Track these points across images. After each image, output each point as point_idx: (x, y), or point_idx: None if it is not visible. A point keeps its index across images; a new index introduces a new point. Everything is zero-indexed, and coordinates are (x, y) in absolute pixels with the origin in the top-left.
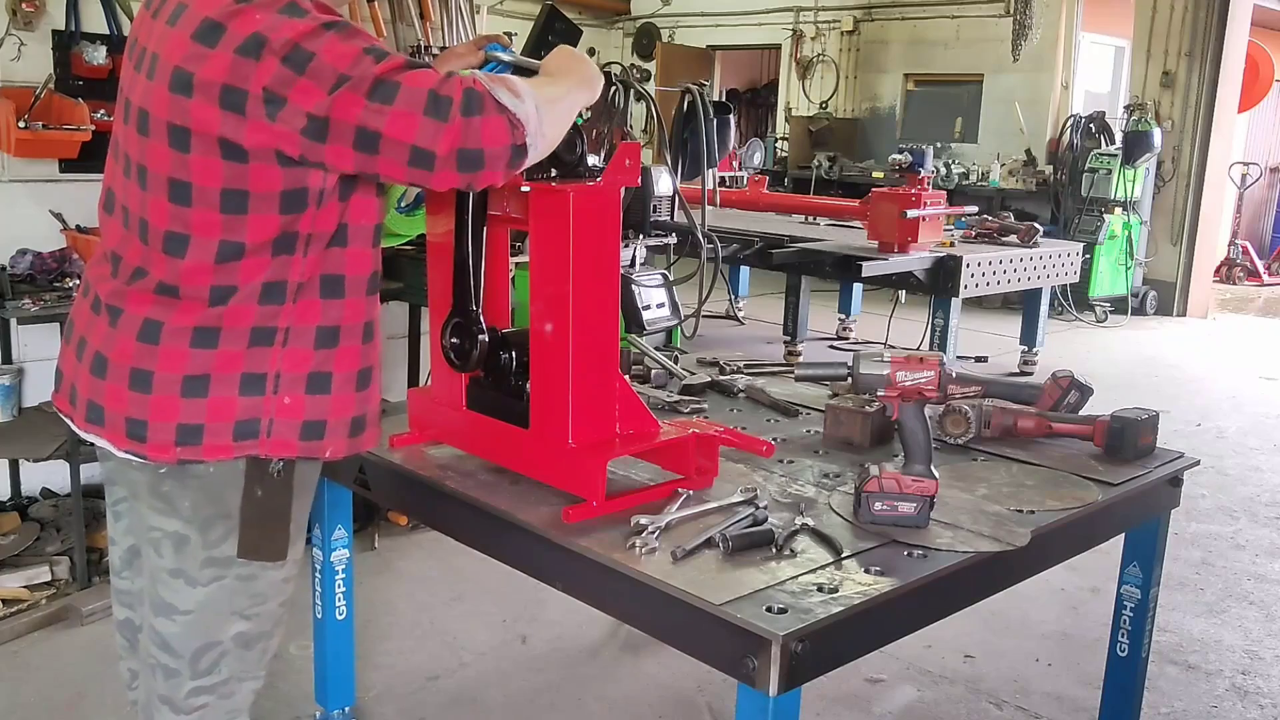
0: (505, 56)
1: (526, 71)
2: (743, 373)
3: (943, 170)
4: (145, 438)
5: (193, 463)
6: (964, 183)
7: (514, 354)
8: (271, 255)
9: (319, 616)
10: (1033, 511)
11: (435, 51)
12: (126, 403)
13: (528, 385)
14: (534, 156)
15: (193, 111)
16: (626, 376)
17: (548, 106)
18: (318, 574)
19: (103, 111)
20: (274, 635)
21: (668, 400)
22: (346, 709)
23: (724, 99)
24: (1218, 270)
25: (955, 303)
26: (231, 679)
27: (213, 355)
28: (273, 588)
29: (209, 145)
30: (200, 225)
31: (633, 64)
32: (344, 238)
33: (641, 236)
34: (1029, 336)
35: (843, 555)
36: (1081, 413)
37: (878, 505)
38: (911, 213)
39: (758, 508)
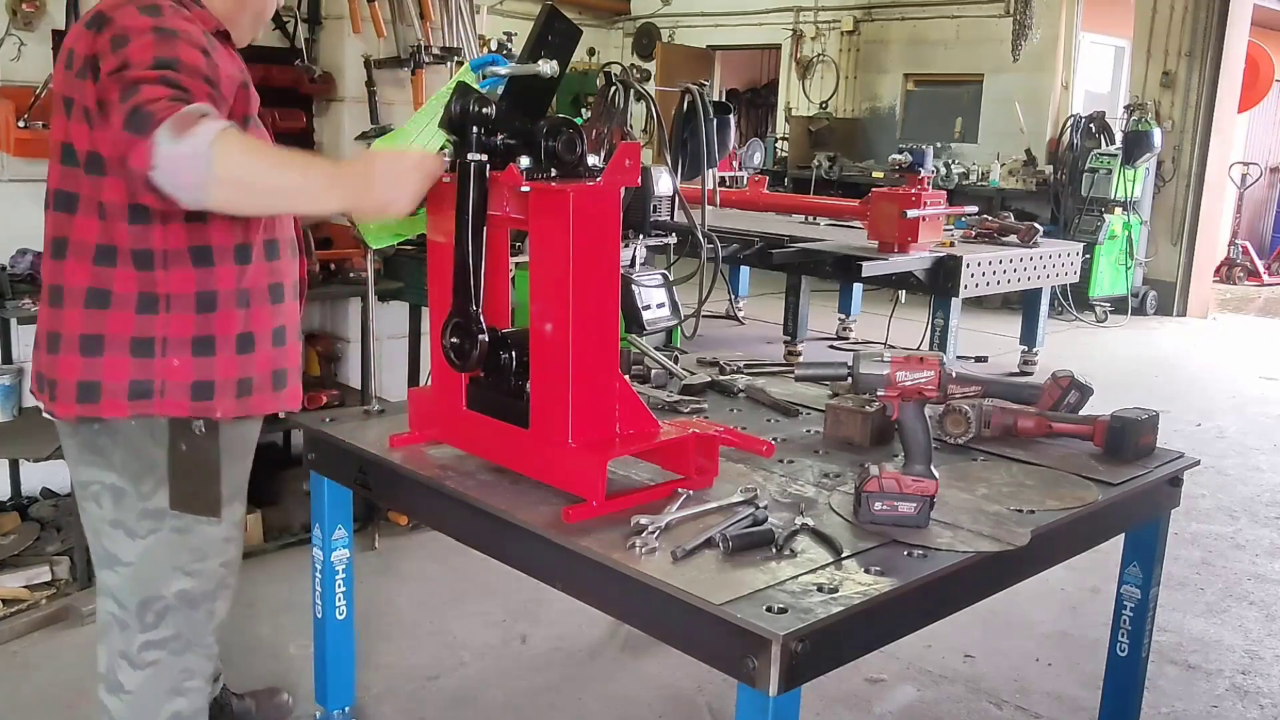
0: (503, 70)
1: (526, 78)
2: (743, 373)
3: (943, 170)
4: (55, 395)
5: (92, 419)
6: (964, 183)
7: (514, 354)
8: (128, 221)
9: (319, 616)
10: (1033, 511)
11: (436, 51)
12: (43, 363)
13: (528, 385)
14: (185, 199)
15: (74, 82)
16: (626, 376)
17: (229, 168)
18: (318, 574)
19: None
20: (218, 598)
21: (668, 400)
22: (346, 709)
23: (724, 99)
24: (1218, 270)
25: (955, 303)
26: (180, 637)
27: (105, 316)
28: (211, 545)
29: (79, 112)
30: (80, 184)
31: (633, 64)
32: (203, 211)
33: (641, 236)
34: (1029, 336)
35: (843, 555)
36: (1081, 413)
37: (878, 505)
38: (911, 213)
39: (758, 508)
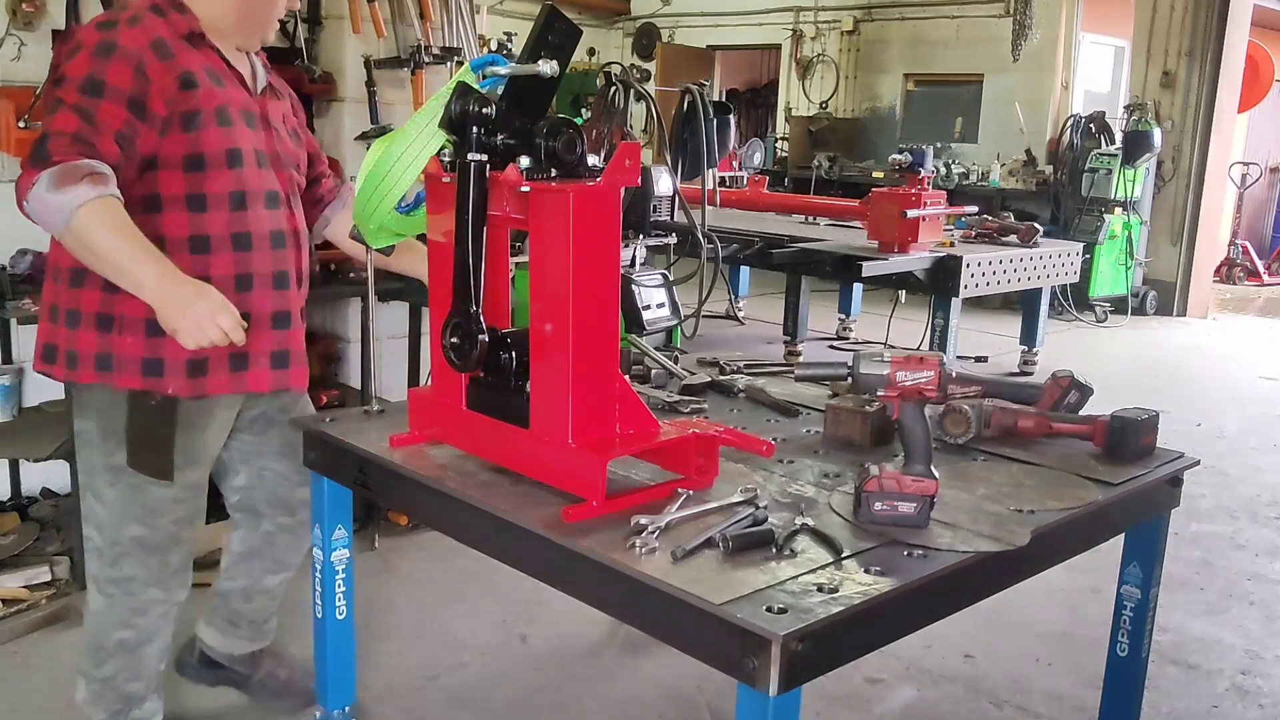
0: (503, 70)
1: (526, 78)
2: (743, 373)
3: (943, 170)
4: (54, 360)
5: (79, 385)
6: (964, 183)
7: (514, 354)
8: None
9: (319, 616)
10: (1033, 511)
11: (436, 51)
12: (45, 332)
13: (528, 385)
14: (48, 231)
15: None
16: (626, 376)
17: (84, 237)
18: (318, 574)
19: None
20: (172, 551)
21: (668, 400)
22: (346, 709)
23: (724, 99)
24: (1218, 270)
25: (955, 303)
26: (135, 580)
27: (79, 294)
28: (162, 504)
29: None
30: None
31: (633, 64)
32: (157, 204)
33: (641, 236)
34: (1029, 336)
35: (843, 555)
36: (1081, 413)
37: (878, 505)
38: (911, 213)
39: (758, 508)
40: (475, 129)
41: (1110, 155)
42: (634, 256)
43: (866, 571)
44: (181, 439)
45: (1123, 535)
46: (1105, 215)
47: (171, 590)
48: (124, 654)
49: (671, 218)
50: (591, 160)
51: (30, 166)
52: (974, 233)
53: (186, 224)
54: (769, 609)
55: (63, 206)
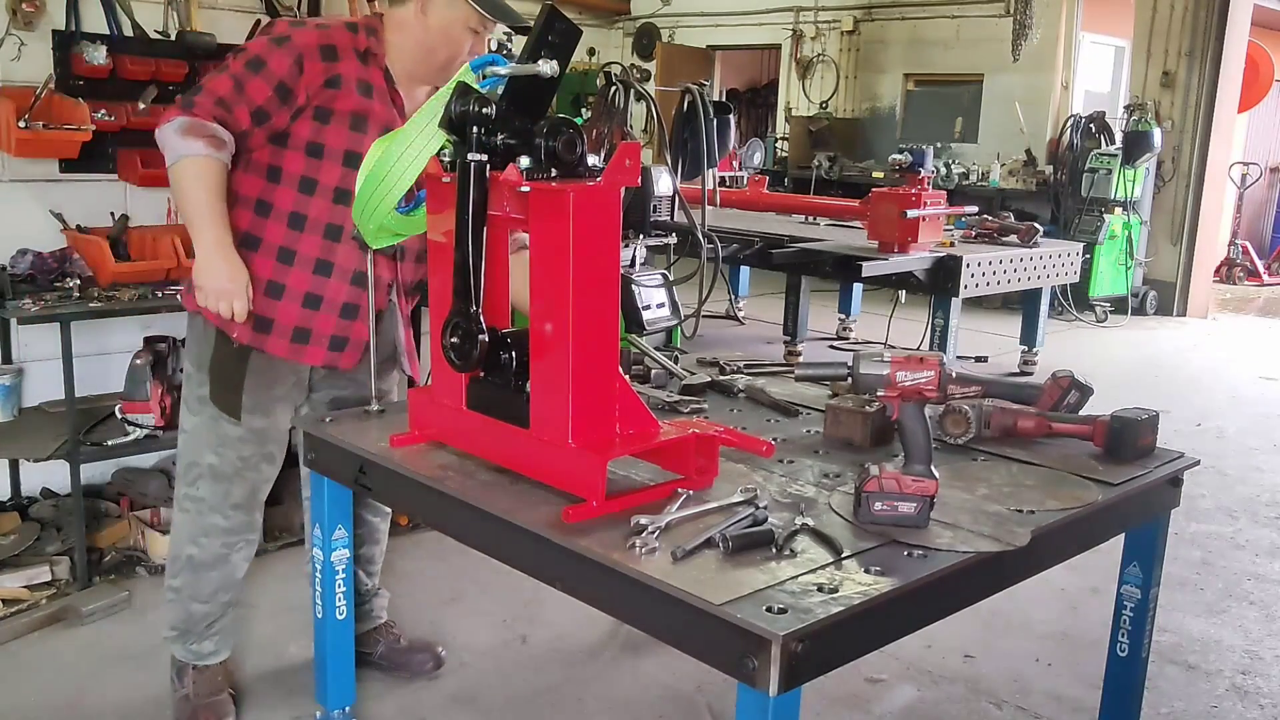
0: (503, 70)
1: (526, 78)
2: (743, 373)
3: (943, 170)
4: (189, 288)
5: (189, 312)
6: (964, 183)
7: (514, 354)
8: (236, 166)
9: (319, 616)
10: (1033, 511)
11: None
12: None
13: (528, 385)
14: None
15: None
16: (626, 376)
17: (175, 177)
18: (318, 574)
19: (103, 111)
20: (234, 482)
21: (668, 400)
22: (346, 709)
23: (724, 99)
24: (1218, 270)
25: (955, 303)
26: (204, 501)
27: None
28: (231, 440)
29: None
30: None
31: (633, 64)
32: (276, 176)
33: (641, 236)
34: (1029, 336)
35: (843, 555)
36: (1081, 413)
37: (878, 505)
38: (911, 213)
39: (758, 508)
40: (475, 129)
41: (1110, 155)
42: (634, 256)
43: (866, 571)
44: (251, 385)
45: (1123, 535)
46: (1105, 215)
47: (232, 520)
48: (190, 570)
49: (671, 218)
50: (591, 160)
51: (180, 106)
52: (974, 233)
53: (293, 201)
54: (769, 609)
55: (177, 149)
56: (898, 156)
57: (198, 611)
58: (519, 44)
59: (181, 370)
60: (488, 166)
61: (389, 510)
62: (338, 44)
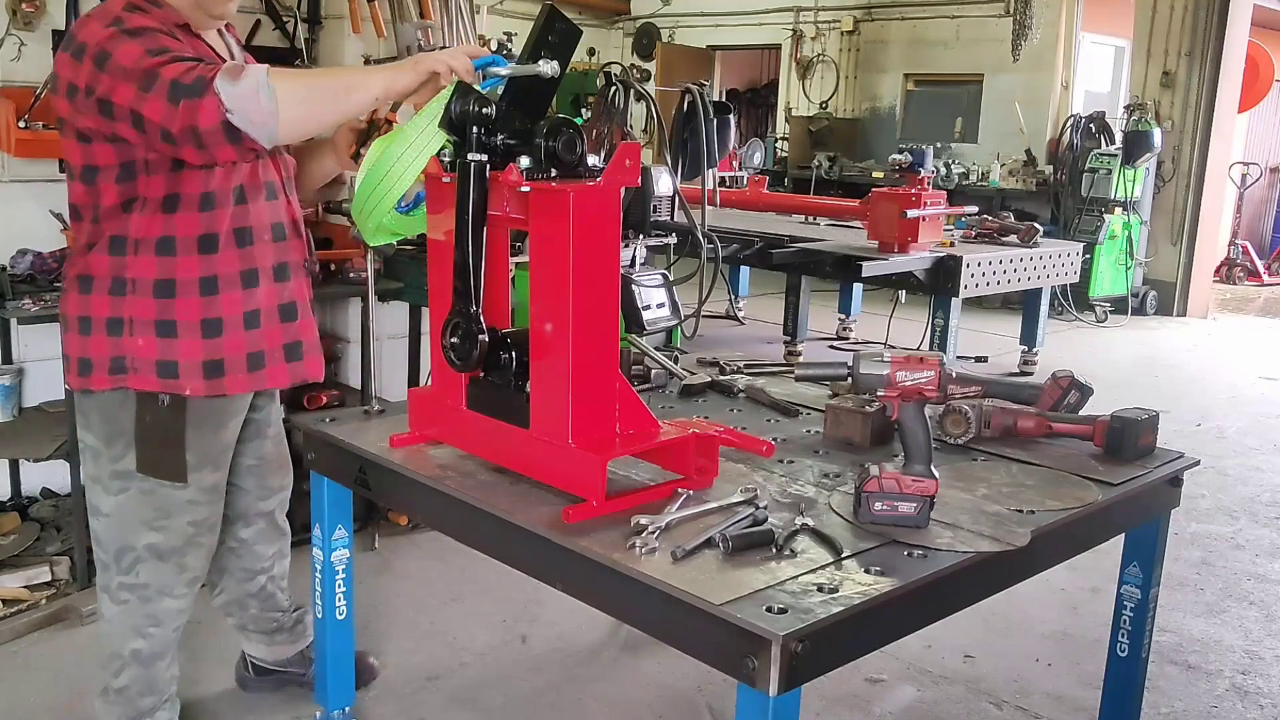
0: (503, 70)
1: (526, 78)
2: (743, 373)
3: (943, 170)
4: (67, 369)
5: (90, 391)
6: (964, 183)
7: (514, 354)
8: (110, 217)
9: (319, 616)
10: (1033, 511)
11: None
12: (63, 342)
13: (528, 385)
14: (261, 134)
15: (62, 102)
16: (626, 376)
17: (289, 90)
18: (318, 574)
19: None
20: (187, 554)
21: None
22: (346, 709)
23: (724, 99)
24: (1218, 270)
25: (955, 303)
26: (150, 586)
27: (89, 300)
28: (176, 505)
29: (70, 131)
30: (75, 193)
31: (633, 64)
32: (174, 204)
33: (641, 236)
34: (1029, 336)
35: (843, 555)
36: (1081, 413)
37: (878, 505)
38: (911, 213)
39: (758, 508)
40: (475, 129)
41: (1110, 155)
42: (634, 256)
43: (866, 571)
44: (195, 439)
45: (1123, 535)
46: (1105, 215)
47: (186, 598)
48: (137, 665)
49: (671, 218)
50: (591, 160)
51: (196, 95)
52: (974, 233)
53: (198, 223)
54: (769, 609)
55: (258, 83)
56: (898, 156)
57: (147, 704)
58: (519, 44)
59: (80, 453)
60: (488, 166)
61: (288, 530)
62: (141, 19)
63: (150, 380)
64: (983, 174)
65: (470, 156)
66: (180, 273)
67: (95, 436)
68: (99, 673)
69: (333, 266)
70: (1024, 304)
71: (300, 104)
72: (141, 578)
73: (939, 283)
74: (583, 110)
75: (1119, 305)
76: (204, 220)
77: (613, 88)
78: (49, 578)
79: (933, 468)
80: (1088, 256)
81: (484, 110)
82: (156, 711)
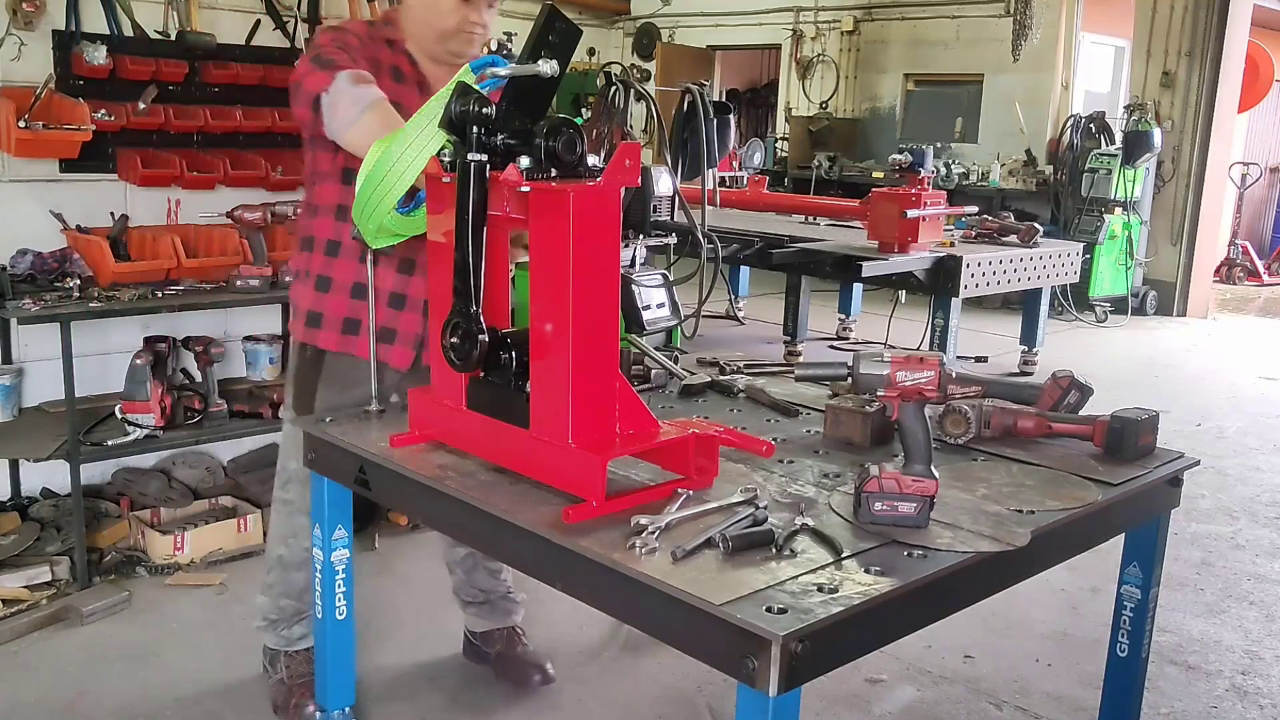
0: (503, 71)
1: (526, 78)
2: (743, 373)
3: (943, 170)
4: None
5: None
6: (964, 183)
7: (514, 354)
8: (314, 182)
9: (319, 616)
10: (1033, 511)
11: None
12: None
13: (528, 385)
14: (329, 129)
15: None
16: (626, 376)
17: (364, 127)
18: (318, 574)
19: (103, 111)
20: None
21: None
22: (346, 709)
23: (724, 99)
24: (1218, 270)
25: (955, 303)
26: (294, 504)
27: (295, 256)
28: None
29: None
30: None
31: (633, 64)
32: (321, 176)
33: (641, 236)
34: (1029, 336)
35: (843, 555)
36: (1081, 413)
37: (878, 505)
38: (911, 213)
39: (758, 508)
40: (475, 129)
41: (1110, 155)
42: (634, 256)
43: (866, 571)
44: (325, 390)
45: (1123, 535)
46: (1105, 215)
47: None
48: (280, 569)
49: (671, 218)
50: (591, 160)
51: (323, 69)
52: (974, 233)
53: (338, 194)
54: (769, 609)
55: (361, 100)
56: (898, 156)
57: (288, 607)
58: (519, 44)
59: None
60: (488, 166)
61: None
62: (365, 34)
63: (298, 328)
64: (983, 174)
65: (470, 156)
66: (318, 231)
67: (289, 374)
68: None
69: None
70: (1024, 304)
71: (359, 141)
72: (289, 494)
73: (939, 283)
74: (583, 110)
75: (1119, 305)
76: (343, 193)
77: (613, 88)
78: (49, 578)
79: (933, 468)
80: (1088, 256)
81: (484, 110)
82: (294, 619)
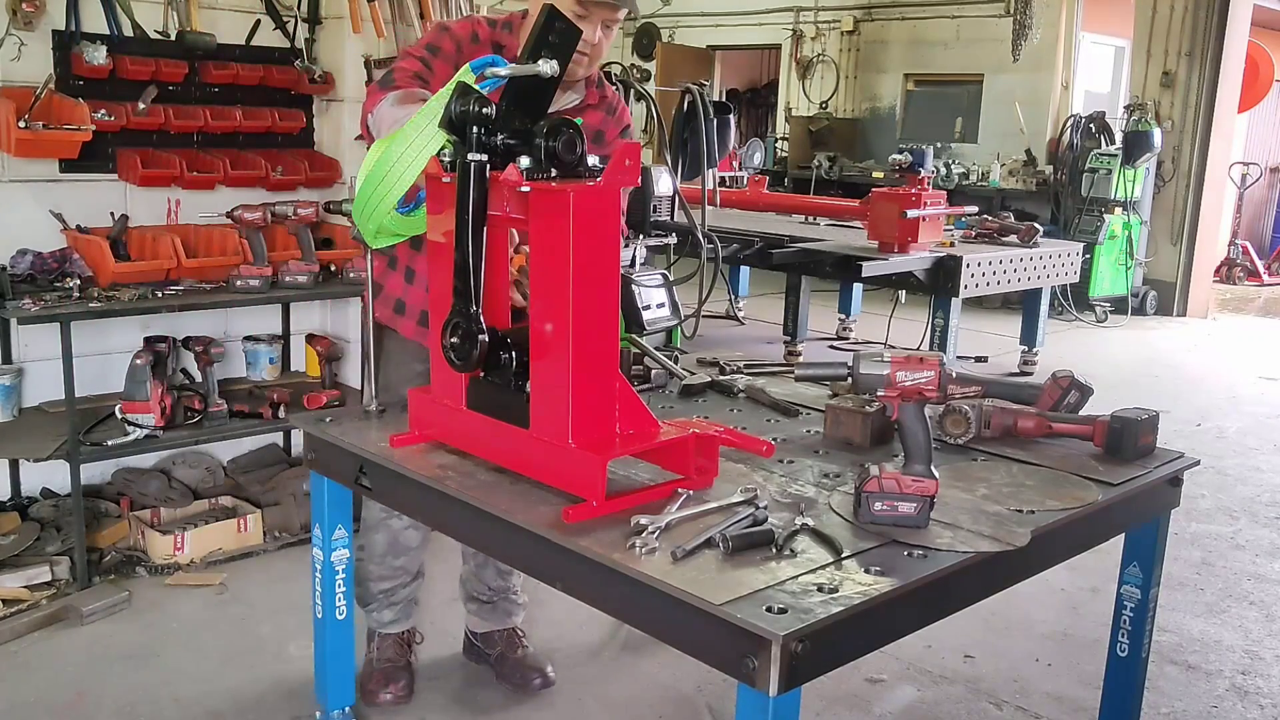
0: (503, 71)
1: (526, 78)
2: (743, 373)
3: (943, 170)
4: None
5: None
6: (964, 183)
7: (514, 354)
8: None
9: (319, 616)
10: (1033, 511)
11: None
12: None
13: (528, 385)
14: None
15: None
16: (626, 376)
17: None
18: (318, 574)
19: (103, 111)
20: None
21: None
22: (346, 709)
23: (724, 99)
24: (1218, 270)
25: (955, 303)
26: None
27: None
28: None
29: None
30: None
31: (633, 64)
32: None
33: (641, 236)
34: (1029, 336)
35: (843, 555)
36: (1081, 413)
37: (878, 505)
38: (911, 213)
39: (758, 508)
40: (475, 129)
41: (1110, 155)
42: (634, 256)
43: (866, 571)
44: (385, 364)
45: (1123, 535)
46: (1105, 215)
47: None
48: (365, 531)
49: (671, 218)
50: (592, 160)
51: (380, 85)
52: (974, 233)
53: None
54: (769, 609)
55: (400, 119)
56: (898, 156)
57: (373, 573)
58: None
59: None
60: (488, 166)
61: None
62: (480, 33)
63: (385, 314)
64: (983, 174)
65: (470, 156)
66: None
67: None
68: None
69: (333, 267)
70: (1024, 304)
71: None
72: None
73: (939, 283)
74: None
75: (1119, 305)
76: None
77: (613, 88)
78: (49, 578)
79: (933, 468)
80: (1088, 256)
81: (484, 110)
82: (388, 599)
